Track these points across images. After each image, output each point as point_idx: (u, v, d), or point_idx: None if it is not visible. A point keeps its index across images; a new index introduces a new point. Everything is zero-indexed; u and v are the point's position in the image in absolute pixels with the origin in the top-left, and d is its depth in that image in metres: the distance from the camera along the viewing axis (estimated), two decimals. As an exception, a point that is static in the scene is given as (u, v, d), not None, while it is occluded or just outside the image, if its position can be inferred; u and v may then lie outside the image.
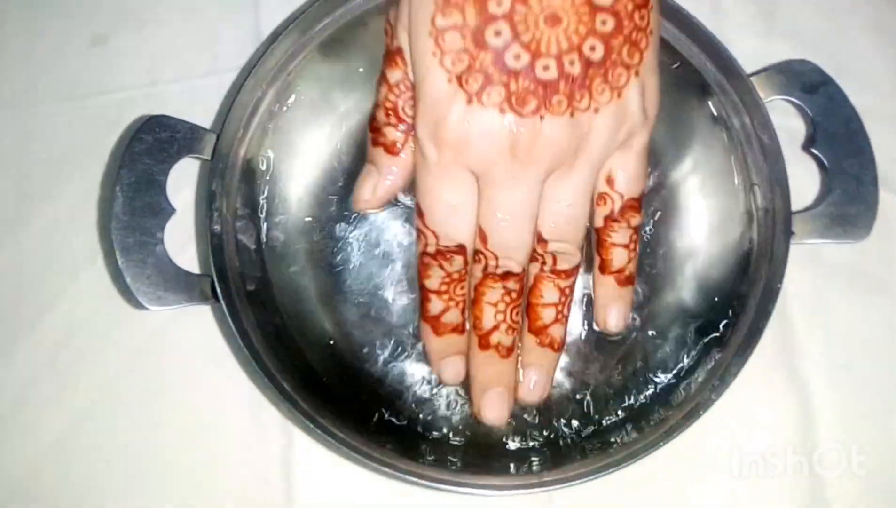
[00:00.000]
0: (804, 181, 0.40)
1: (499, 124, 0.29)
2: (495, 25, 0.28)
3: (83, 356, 0.39)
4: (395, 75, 0.32)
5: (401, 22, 0.31)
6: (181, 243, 0.39)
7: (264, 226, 0.38)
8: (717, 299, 0.38)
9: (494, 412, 0.34)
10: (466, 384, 0.35)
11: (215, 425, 0.38)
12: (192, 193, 0.41)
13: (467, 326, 0.34)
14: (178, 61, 0.44)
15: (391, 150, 0.33)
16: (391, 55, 0.32)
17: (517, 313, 0.33)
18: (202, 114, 0.42)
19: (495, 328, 0.32)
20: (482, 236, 0.31)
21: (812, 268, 0.41)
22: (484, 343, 0.33)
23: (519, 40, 0.28)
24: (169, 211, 0.36)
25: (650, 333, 0.38)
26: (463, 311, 0.33)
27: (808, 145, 0.38)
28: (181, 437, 0.38)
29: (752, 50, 0.42)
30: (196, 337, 0.39)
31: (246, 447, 0.38)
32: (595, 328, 0.36)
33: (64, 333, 0.40)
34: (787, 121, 0.40)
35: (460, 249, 0.32)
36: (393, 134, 0.32)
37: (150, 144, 0.36)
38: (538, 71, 0.28)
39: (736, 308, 0.37)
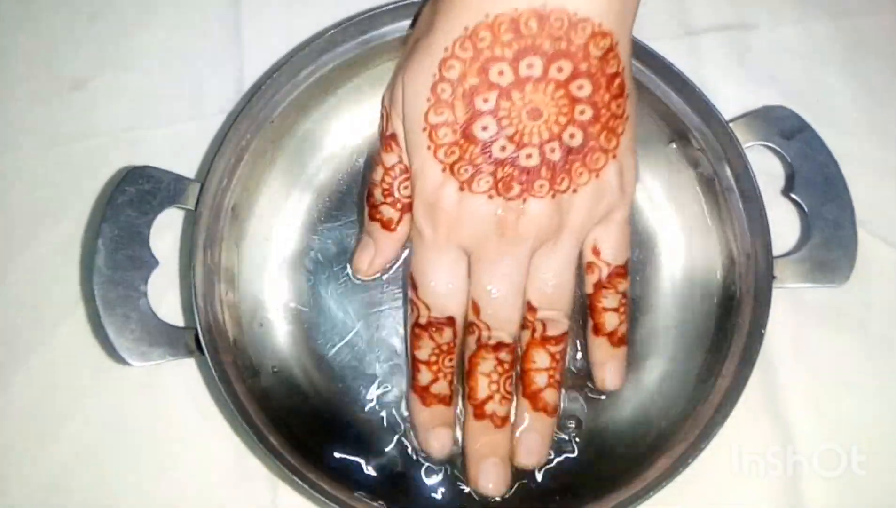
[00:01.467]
0: (785, 224, 0.40)
1: (487, 208, 0.32)
2: (482, 121, 0.31)
3: (63, 410, 0.39)
4: (390, 159, 0.34)
5: (395, 111, 0.33)
6: (164, 291, 0.39)
7: (248, 277, 0.38)
8: (701, 346, 0.38)
9: (491, 481, 0.34)
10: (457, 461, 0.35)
11: (200, 478, 0.38)
12: (175, 241, 0.40)
13: (454, 400, 0.35)
14: (161, 106, 0.44)
15: (387, 226, 0.34)
16: (387, 140, 0.34)
17: (510, 384, 0.34)
18: (185, 159, 0.42)
19: (489, 397, 0.33)
20: (475, 308, 0.33)
21: (792, 309, 0.41)
22: (479, 413, 0.33)
23: (504, 134, 0.31)
24: (152, 264, 0.35)
25: (636, 380, 0.38)
26: (451, 383, 0.34)
27: (787, 190, 0.38)
28: (166, 492, 0.38)
29: (728, 94, 0.43)
30: (180, 390, 0.38)
31: (231, 501, 0.38)
32: (595, 388, 0.37)
33: (43, 386, 0.39)
34: (767, 165, 0.41)
35: (450, 321, 0.33)
36: (389, 212, 0.34)
37: (133, 196, 0.35)
38: (521, 160, 0.31)
39: (721, 355, 0.37)
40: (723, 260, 0.39)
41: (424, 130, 0.32)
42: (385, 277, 0.38)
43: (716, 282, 0.39)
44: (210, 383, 0.38)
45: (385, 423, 0.37)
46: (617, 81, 0.31)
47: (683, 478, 0.33)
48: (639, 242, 0.40)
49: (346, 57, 0.39)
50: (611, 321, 0.35)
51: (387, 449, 0.37)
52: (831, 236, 0.37)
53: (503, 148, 0.31)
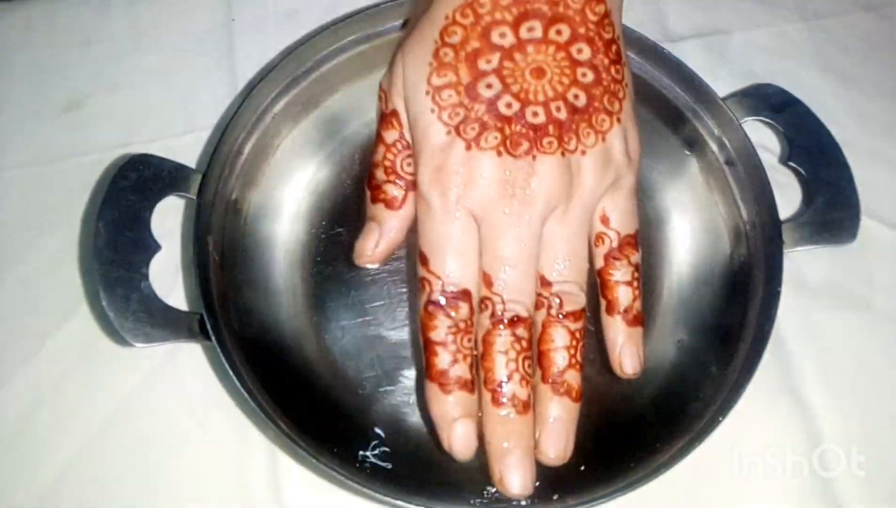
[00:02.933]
0: (782, 199, 0.41)
1: (496, 167, 0.31)
2: (486, 80, 0.31)
3: (58, 413, 0.37)
4: (391, 136, 0.33)
5: (395, 86, 0.33)
6: (169, 284, 0.38)
7: (249, 264, 0.37)
8: (716, 315, 0.38)
9: (517, 479, 0.30)
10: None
11: (205, 467, 0.36)
12: (178, 233, 0.40)
13: (476, 388, 0.31)
14: (155, 122, 0.44)
15: (391, 205, 0.33)
16: (387, 118, 0.33)
17: (529, 365, 0.31)
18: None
19: (508, 378, 0.31)
20: (486, 279, 0.31)
21: (798, 292, 0.41)
22: (497, 398, 0.31)
23: (509, 91, 0.31)
24: (154, 247, 0.34)
25: (653, 357, 0.37)
26: (471, 367, 0.31)
27: (785, 159, 0.39)
28: (171, 482, 0.36)
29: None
30: (184, 382, 0.37)
31: (237, 484, 0.36)
32: (614, 373, 0.34)
33: (39, 390, 0.38)
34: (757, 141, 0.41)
35: (466, 295, 0.31)
36: (393, 190, 0.33)
37: (135, 182, 0.35)
38: (528, 116, 0.31)
39: (736, 322, 0.36)
40: (730, 233, 0.39)
41: (428, 93, 0.31)
42: (391, 267, 0.38)
43: (725, 254, 0.39)
44: (219, 371, 0.37)
45: (390, 415, 0.36)
46: (614, 47, 0.32)
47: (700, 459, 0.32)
48: (645, 224, 0.39)
49: (348, 54, 0.39)
50: (624, 296, 0.33)
51: (398, 421, 0.36)
52: (834, 198, 0.37)
53: (509, 105, 0.31)
